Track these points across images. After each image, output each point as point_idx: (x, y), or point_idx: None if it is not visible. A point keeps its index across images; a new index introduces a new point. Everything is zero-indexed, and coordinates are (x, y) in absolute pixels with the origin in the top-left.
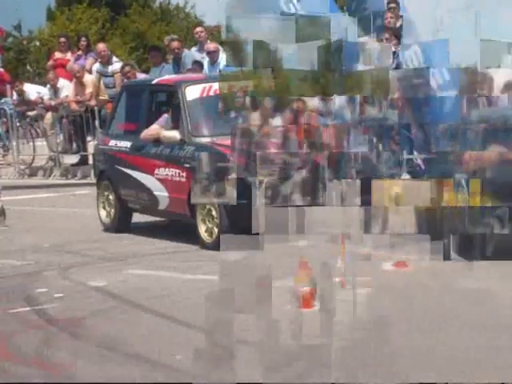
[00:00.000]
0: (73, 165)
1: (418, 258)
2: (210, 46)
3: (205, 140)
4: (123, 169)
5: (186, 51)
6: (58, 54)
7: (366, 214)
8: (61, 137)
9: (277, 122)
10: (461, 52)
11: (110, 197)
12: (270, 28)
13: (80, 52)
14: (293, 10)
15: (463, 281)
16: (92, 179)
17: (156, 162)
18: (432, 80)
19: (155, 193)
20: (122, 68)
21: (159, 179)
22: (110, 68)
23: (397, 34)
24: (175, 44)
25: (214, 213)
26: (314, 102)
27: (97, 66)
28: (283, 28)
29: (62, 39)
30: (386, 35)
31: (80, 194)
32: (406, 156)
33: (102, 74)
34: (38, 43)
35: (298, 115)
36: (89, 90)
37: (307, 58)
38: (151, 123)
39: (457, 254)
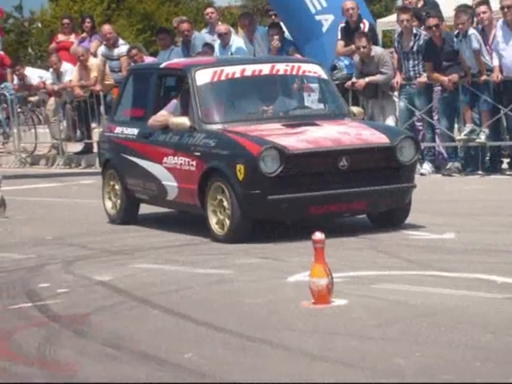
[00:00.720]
0: (77, 153)
1: None
2: (222, 27)
3: (216, 127)
4: (130, 157)
5: (195, 33)
6: (61, 37)
7: None
8: (64, 123)
9: None
10: None
11: (116, 187)
12: None
13: (84, 34)
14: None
15: None
16: (97, 168)
17: (164, 150)
18: None
19: (163, 182)
20: (129, 51)
21: (168, 168)
22: (116, 51)
23: (418, 15)
24: (185, 26)
25: (225, 204)
26: None
27: (102, 49)
28: None
29: (66, 20)
30: (407, 16)
31: (84, 183)
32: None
33: (107, 58)
34: (39, 25)
35: None
36: (93, 74)
37: None
38: (159, 109)
39: None
